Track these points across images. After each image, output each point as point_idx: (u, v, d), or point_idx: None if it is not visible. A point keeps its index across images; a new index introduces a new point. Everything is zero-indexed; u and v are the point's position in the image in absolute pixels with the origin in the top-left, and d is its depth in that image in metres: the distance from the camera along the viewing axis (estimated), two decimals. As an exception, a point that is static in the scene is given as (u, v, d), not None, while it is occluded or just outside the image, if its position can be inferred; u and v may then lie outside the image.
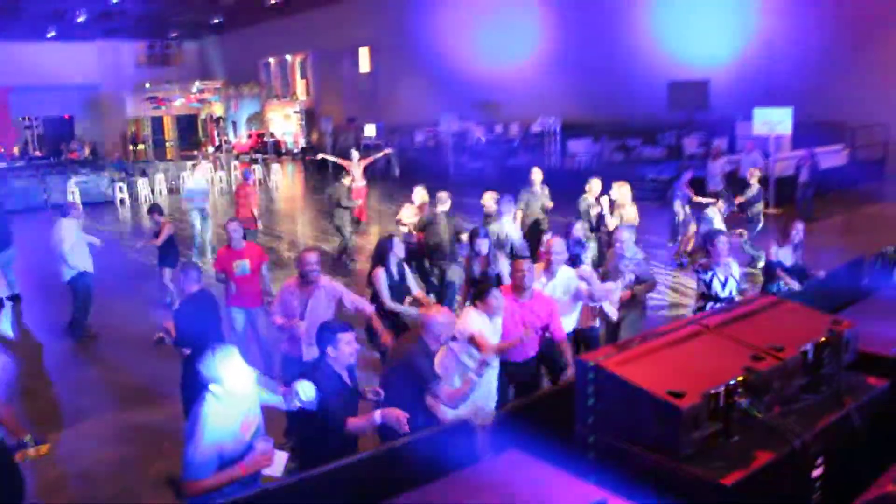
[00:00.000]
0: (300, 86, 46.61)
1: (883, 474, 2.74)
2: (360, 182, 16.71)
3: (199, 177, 16.08)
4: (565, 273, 6.68)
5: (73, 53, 48.13)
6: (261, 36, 47.92)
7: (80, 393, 8.72)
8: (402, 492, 3.20)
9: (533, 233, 11.16)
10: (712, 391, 3.34)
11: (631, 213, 10.47)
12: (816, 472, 3.50)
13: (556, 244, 6.67)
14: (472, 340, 5.48)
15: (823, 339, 3.89)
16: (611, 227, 10.15)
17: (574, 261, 7.25)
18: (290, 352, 6.88)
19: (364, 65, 42.82)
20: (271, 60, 48.12)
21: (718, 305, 6.85)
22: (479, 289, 5.89)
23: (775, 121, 17.91)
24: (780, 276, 7.59)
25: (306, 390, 4.49)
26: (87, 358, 10.00)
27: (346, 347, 4.87)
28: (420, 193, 11.20)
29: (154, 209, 12.00)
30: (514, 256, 8.91)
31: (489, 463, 3.37)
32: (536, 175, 11.82)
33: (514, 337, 5.87)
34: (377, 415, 4.78)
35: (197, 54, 57.66)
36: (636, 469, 3.36)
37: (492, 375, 5.74)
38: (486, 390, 5.69)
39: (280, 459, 4.31)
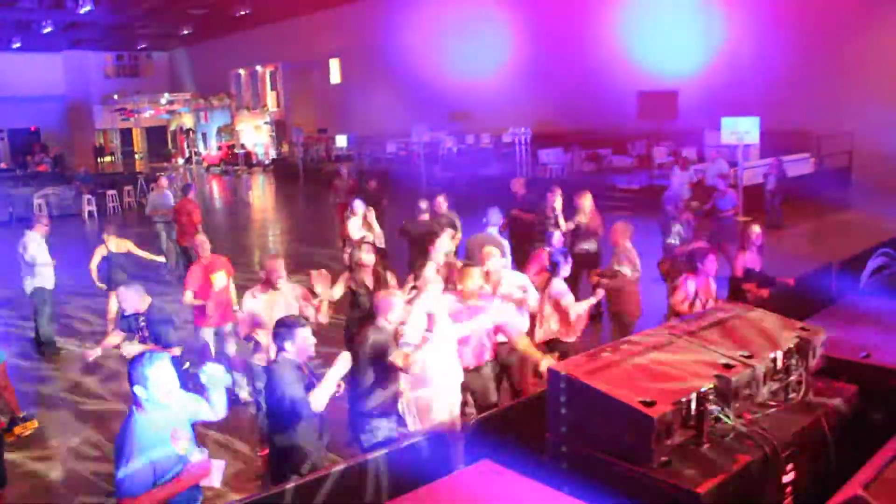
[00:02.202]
0: (270, 97, 46.40)
1: (851, 478, 2.76)
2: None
3: (163, 190, 15.65)
4: (509, 280, 6.69)
5: (39, 64, 47.66)
6: (231, 47, 47.69)
7: (45, 408, 8.55)
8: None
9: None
10: (684, 399, 3.36)
11: (594, 221, 10.47)
12: (787, 478, 3.53)
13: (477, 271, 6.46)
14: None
15: (792, 345, 3.93)
16: (564, 228, 10.22)
17: (554, 268, 7.25)
18: (259, 359, 6.78)
19: (335, 76, 42.78)
20: (241, 72, 47.86)
21: None
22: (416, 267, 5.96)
23: (743, 130, 18.07)
24: (747, 289, 7.53)
25: (212, 373, 4.40)
26: (51, 373, 9.80)
27: (303, 342, 4.87)
28: (360, 206, 11.10)
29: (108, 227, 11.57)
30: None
31: (461, 474, 3.35)
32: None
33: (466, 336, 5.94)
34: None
35: (166, 65, 57.31)
36: (609, 478, 3.36)
37: (447, 350, 5.75)
38: (445, 366, 5.70)
39: (217, 469, 4.18)
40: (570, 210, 10.71)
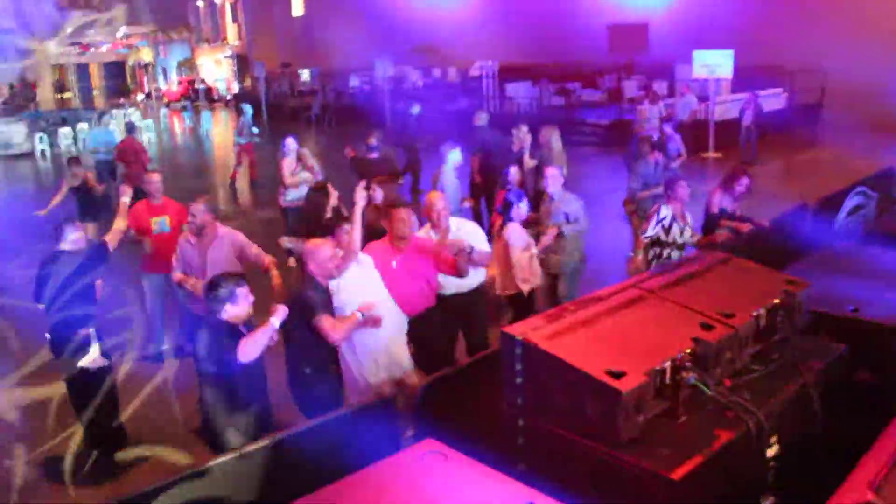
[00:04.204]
0: (231, 30, 44.95)
1: (855, 472, 2.35)
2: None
3: (105, 127, 14.89)
4: (455, 226, 6.01)
5: (-15, -5, 45.56)
6: (189, -23, 46.01)
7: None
8: (302, 494, 2.74)
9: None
10: (657, 367, 2.92)
11: (560, 158, 9.95)
12: (771, 452, 3.13)
13: (437, 201, 5.96)
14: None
15: (777, 301, 3.50)
16: (528, 165, 9.71)
17: (505, 210, 6.75)
18: (192, 308, 6.36)
19: (297, 8, 41.41)
20: (200, 3, 46.23)
21: (677, 253, 6.48)
22: (327, 223, 5.45)
23: (715, 63, 17.60)
24: (724, 225, 7.13)
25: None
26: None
27: (244, 301, 4.47)
28: (291, 145, 10.32)
29: (72, 161, 11.23)
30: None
31: (401, 457, 2.91)
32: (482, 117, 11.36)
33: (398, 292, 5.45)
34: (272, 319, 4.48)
35: (123, -3, 55.19)
36: (571, 457, 2.94)
37: (393, 319, 5.34)
38: (394, 332, 5.33)
39: None
40: (534, 146, 10.21)
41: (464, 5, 30.77)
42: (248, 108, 17.64)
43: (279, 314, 4.50)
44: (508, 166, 8.79)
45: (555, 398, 2.99)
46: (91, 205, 10.77)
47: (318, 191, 7.72)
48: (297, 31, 40.85)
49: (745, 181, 7.36)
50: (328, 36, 37.26)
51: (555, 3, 27.07)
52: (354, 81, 32.44)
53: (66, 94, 49.77)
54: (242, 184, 16.87)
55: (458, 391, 4.12)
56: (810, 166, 16.45)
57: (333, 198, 7.85)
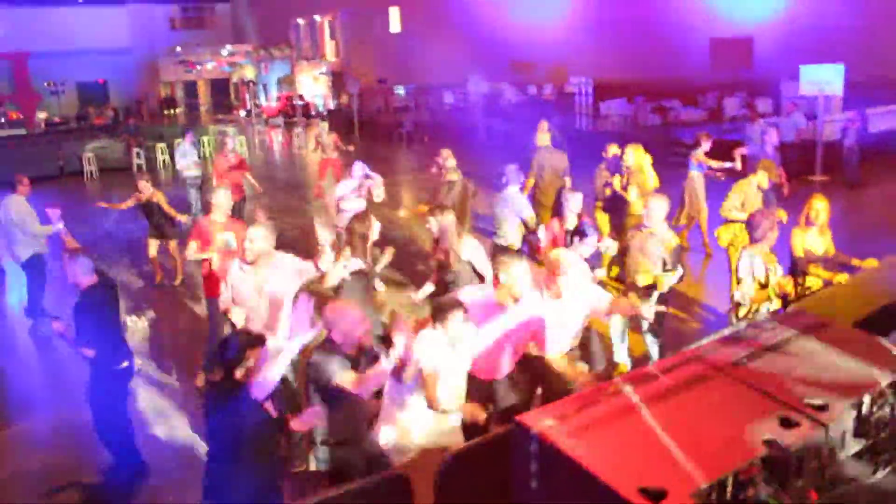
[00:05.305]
0: (329, 47, 45.45)
1: None
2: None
3: (189, 143, 14.65)
4: (578, 288, 5.10)
5: (104, 17, 47.75)
6: (291, -4, 46.81)
7: (30, 383, 7.77)
8: None
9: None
10: (714, 482, 2.19)
11: (648, 181, 9.00)
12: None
13: (567, 262, 5.01)
14: (422, 381, 4.25)
15: (886, 385, 2.70)
16: (631, 200, 8.78)
17: (571, 237, 5.97)
18: None
19: (395, 25, 41.46)
20: (300, 21, 46.95)
21: (777, 303, 5.55)
22: (440, 305, 4.47)
23: (824, 80, 16.31)
24: (814, 274, 6.08)
25: None
26: (41, 344, 8.97)
27: (255, 364, 3.88)
28: (357, 171, 9.52)
29: (138, 175, 11.08)
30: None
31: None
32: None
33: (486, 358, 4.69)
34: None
35: (229, 17, 56.81)
36: None
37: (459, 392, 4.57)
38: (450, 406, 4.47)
39: None
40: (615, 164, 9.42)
41: (561, 21, 30.02)
42: (324, 124, 17.32)
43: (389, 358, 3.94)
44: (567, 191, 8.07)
45: (577, 515, 2.29)
46: (153, 220, 10.53)
47: (359, 220, 7.00)
48: (394, 48, 40.87)
49: (818, 205, 6.29)
50: (424, 52, 37.11)
51: (654, 15, 26.04)
52: (448, 98, 32.11)
53: (177, 110, 51.48)
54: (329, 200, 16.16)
55: (491, 466, 3.47)
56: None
57: (375, 231, 7.15)
